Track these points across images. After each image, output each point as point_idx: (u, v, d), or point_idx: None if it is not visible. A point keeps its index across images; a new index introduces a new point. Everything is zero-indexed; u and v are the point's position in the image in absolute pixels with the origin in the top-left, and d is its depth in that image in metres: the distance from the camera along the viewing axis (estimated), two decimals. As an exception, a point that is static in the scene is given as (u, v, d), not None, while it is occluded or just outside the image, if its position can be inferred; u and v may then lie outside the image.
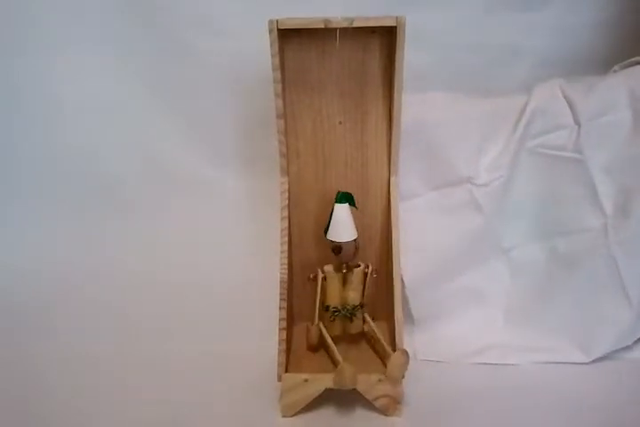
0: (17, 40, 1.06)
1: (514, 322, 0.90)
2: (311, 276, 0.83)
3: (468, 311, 0.91)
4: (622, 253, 0.83)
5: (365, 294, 0.83)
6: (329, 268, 0.82)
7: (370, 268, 0.82)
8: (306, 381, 0.73)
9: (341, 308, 0.82)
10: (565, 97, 0.85)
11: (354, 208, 0.80)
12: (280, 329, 0.76)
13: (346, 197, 0.79)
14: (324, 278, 0.82)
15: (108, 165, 1.15)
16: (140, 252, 1.13)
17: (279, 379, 0.75)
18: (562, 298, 0.88)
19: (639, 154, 0.83)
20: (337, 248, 0.79)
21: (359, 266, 0.82)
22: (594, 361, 0.84)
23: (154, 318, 0.99)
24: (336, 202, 0.79)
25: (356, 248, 0.80)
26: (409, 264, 0.84)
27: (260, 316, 0.87)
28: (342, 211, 0.79)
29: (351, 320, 0.83)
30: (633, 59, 0.89)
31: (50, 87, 1.10)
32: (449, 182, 0.87)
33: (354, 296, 0.82)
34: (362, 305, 0.83)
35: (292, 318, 0.86)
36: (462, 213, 0.87)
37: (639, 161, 0.83)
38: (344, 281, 0.82)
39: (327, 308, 0.83)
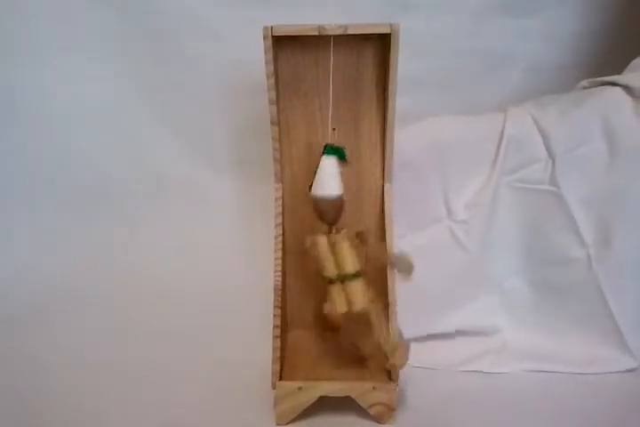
0: (14, 43, 1.06)
1: (510, 349, 0.89)
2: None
3: (464, 342, 0.91)
4: (608, 283, 0.85)
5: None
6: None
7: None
8: (300, 388, 0.73)
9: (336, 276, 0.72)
10: (539, 129, 0.85)
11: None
12: (274, 337, 0.76)
13: (334, 150, 0.74)
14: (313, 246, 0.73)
15: (104, 168, 1.15)
16: (132, 259, 1.13)
17: (273, 387, 0.74)
18: (556, 328, 0.89)
19: (615, 185, 0.84)
20: (315, 206, 0.73)
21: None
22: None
23: (148, 323, 0.99)
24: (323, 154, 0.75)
25: (340, 208, 0.74)
26: (400, 309, 0.80)
27: (255, 323, 0.87)
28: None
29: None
30: (603, 78, 0.88)
31: (49, 90, 1.10)
32: (429, 221, 0.89)
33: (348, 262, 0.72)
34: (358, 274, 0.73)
35: (286, 325, 0.86)
36: (446, 250, 0.88)
37: (616, 192, 0.84)
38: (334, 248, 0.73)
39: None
